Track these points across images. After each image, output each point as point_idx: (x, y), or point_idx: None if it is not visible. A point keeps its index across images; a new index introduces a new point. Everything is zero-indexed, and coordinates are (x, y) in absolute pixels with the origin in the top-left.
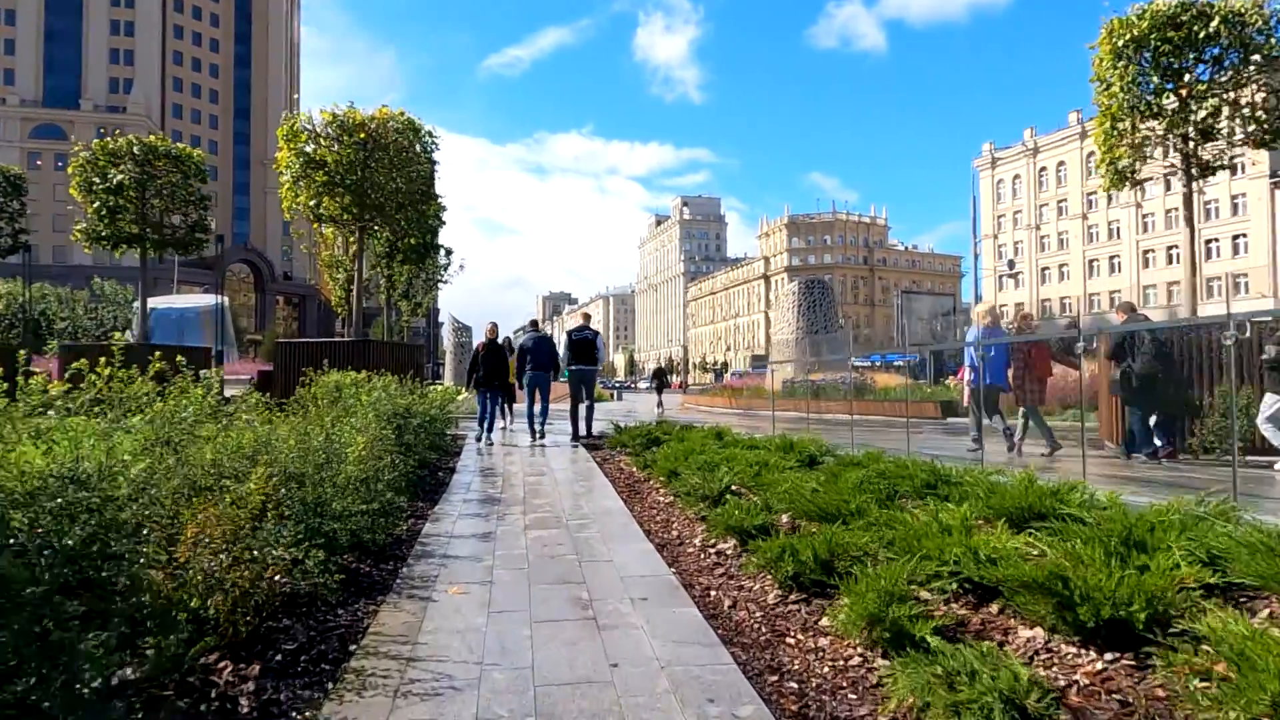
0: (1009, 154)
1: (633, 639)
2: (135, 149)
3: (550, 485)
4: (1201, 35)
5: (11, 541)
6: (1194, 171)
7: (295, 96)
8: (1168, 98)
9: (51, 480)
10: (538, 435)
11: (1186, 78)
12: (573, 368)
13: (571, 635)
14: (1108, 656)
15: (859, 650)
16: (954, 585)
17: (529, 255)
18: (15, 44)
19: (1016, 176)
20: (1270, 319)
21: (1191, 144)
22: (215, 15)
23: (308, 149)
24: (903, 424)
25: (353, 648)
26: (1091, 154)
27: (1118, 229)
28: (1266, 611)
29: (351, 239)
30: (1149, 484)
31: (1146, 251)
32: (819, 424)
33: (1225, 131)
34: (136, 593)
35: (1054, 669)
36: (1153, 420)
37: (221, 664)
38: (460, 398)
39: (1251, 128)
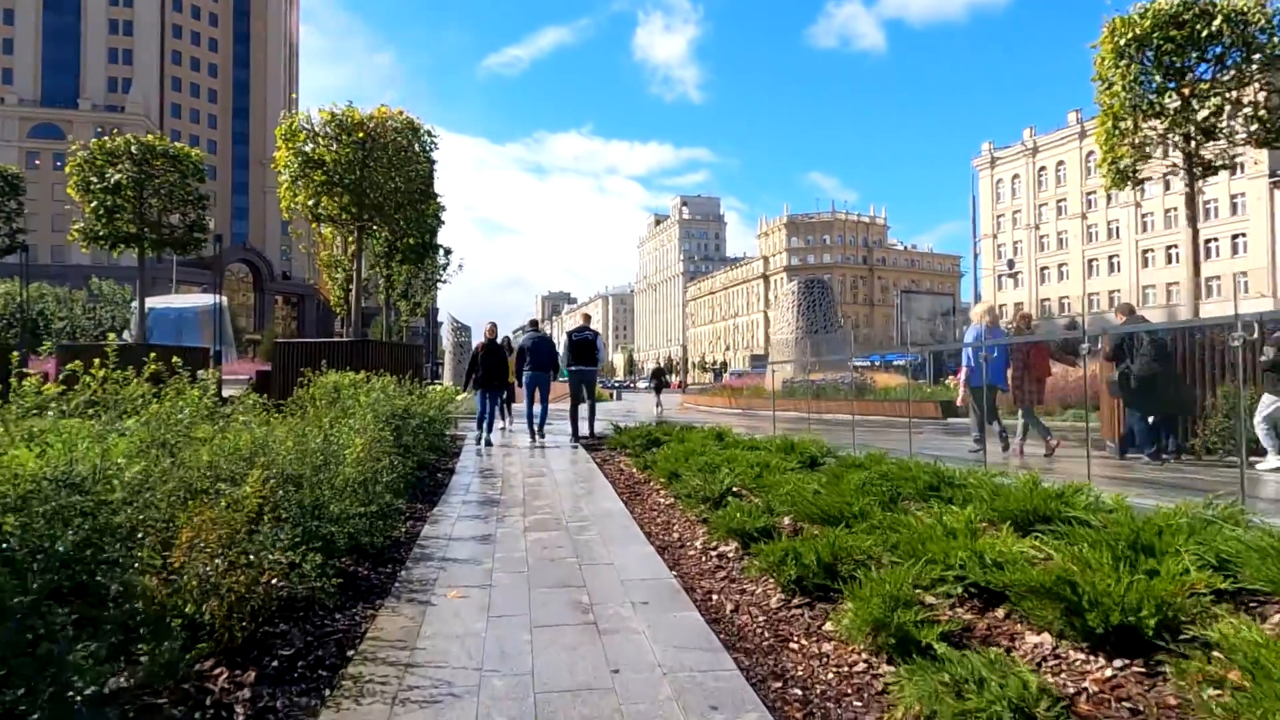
0: (1008, 154)
1: (634, 644)
2: (133, 148)
3: (550, 486)
4: (1204, 34)
5: (4, 547)
6: (1196, 171)
7: (294, 96)
8: (1170, 97)
9: (45, 483)
10: (537, 436)
11: (1189, 77)
12: (573, 368)
13: (572, 640)
14: (1117, 663)
15: (864, 656)
16: (959, 590)
17: (528, 255)
18: (14, 43)
19: (1016, 176)
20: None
21: (1193, 143)
22: (214, 15)
23: (306, 148)
24: (903, 424)
25: (350, 653)
26: (1091, 154)
27: (1117, 229)
28: (1278, 618)
29: (350, 238)
30: (1153, 485)
31: (1145, 251)
32: (819, 424)
33: (1227, 131)
34: (130, 599)
35: (1063, 676)
36: (1152, 421)
37: (217, 670)
38: (459, 398)
39: (1254, 127)
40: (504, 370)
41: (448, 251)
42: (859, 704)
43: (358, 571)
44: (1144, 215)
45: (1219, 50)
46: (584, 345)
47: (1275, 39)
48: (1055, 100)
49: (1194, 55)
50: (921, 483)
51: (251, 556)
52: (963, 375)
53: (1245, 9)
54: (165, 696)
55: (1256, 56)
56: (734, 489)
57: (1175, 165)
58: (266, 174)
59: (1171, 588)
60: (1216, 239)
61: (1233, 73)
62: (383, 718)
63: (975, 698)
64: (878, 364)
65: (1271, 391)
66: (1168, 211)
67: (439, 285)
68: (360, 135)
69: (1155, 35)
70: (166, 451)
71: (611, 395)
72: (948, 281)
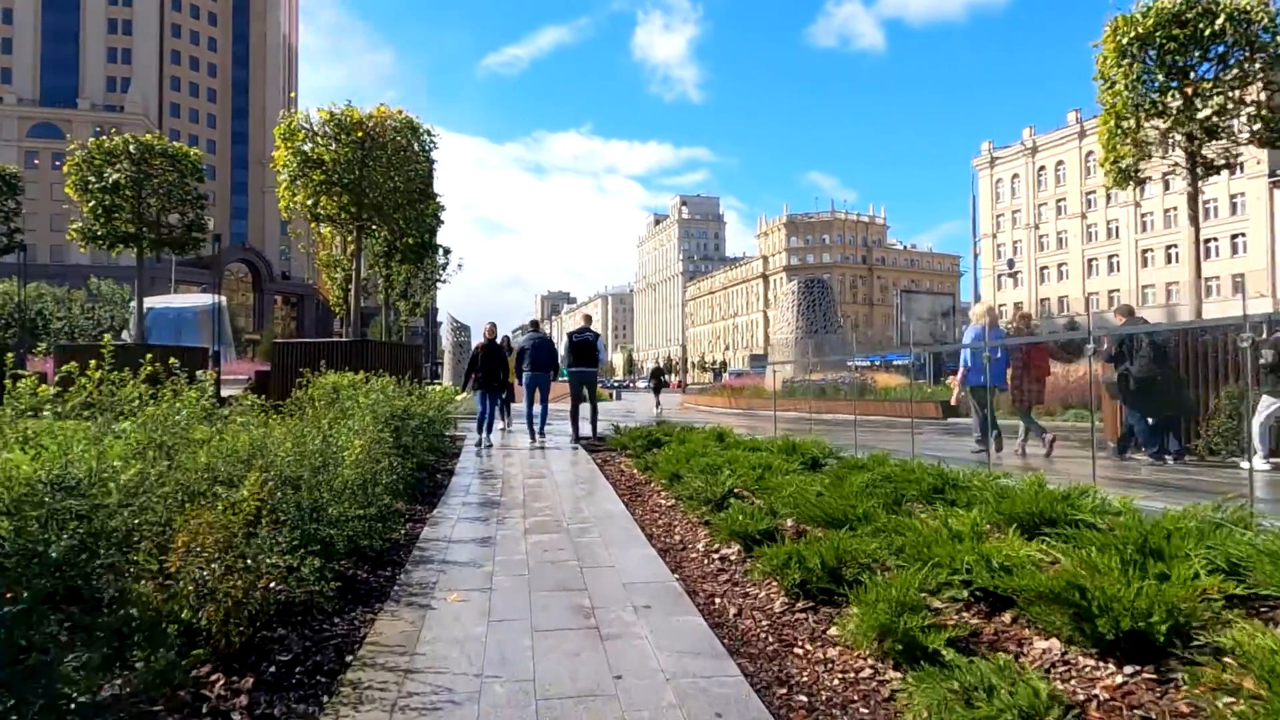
0: (1008, 153)
1: (636, 649)
2: (131, 148)
3: (550, 488)
4: (1207, 33)
5: None
6: (1199, 171)
7: (293, 95)
8: (1172, 96)
9: (39, 486)
10: (537, 436)
11: (1191, 76)
12: (573, 369)
13: (574, 645)
14: (1127, 670)
15: (869, 661)
16: (965, 594)
17: (528, 254)
18: (13, 42)
19: (1015, 176)
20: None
21: (1196, 143)
22: (213, 14)
23: (305, 148)
24: (903, 424)
25: (349, 658)
26: (1090, 153)
27: (1116, 228)
28: None
29: (349, 238)
30: (1157, 486)
31: (1145, 251)
32: (820, 425)
33: (1230, 130)
34: (124, 605)
35: (1072, 682)
36: (1153, 421)
37: (213, 677)
38: (459, 398)
39: (1257, 126)
40: (504, 370)
41: (447, 251)
42: (865, 711)
43: (357, 575)
44: (1143, 215)
45: (1222, 49)
46: (584, 346)
47: (1279, 38)
48: (1055, 100)
49: (1197, 54)
50: (925, 485)
51: (249, 561)
52: (960, 375)
53: (1248, 8)
54: (161, 704)
55: (1260, 55)
56: (736, 491)
57: (1177, 164)
58: (266, 174)
59: (1182, 593)
60: (1216, 239)
61: (1235, 72)
62: None
63: (985, 705)
64: (877, 364)
65: (1270, 393)
66: (1167, 211)
67: (438, 285)
68: (359, 135)
69: (1158, 34)
70: (163, 453)
71: (611, 395)
72: (947, 281)
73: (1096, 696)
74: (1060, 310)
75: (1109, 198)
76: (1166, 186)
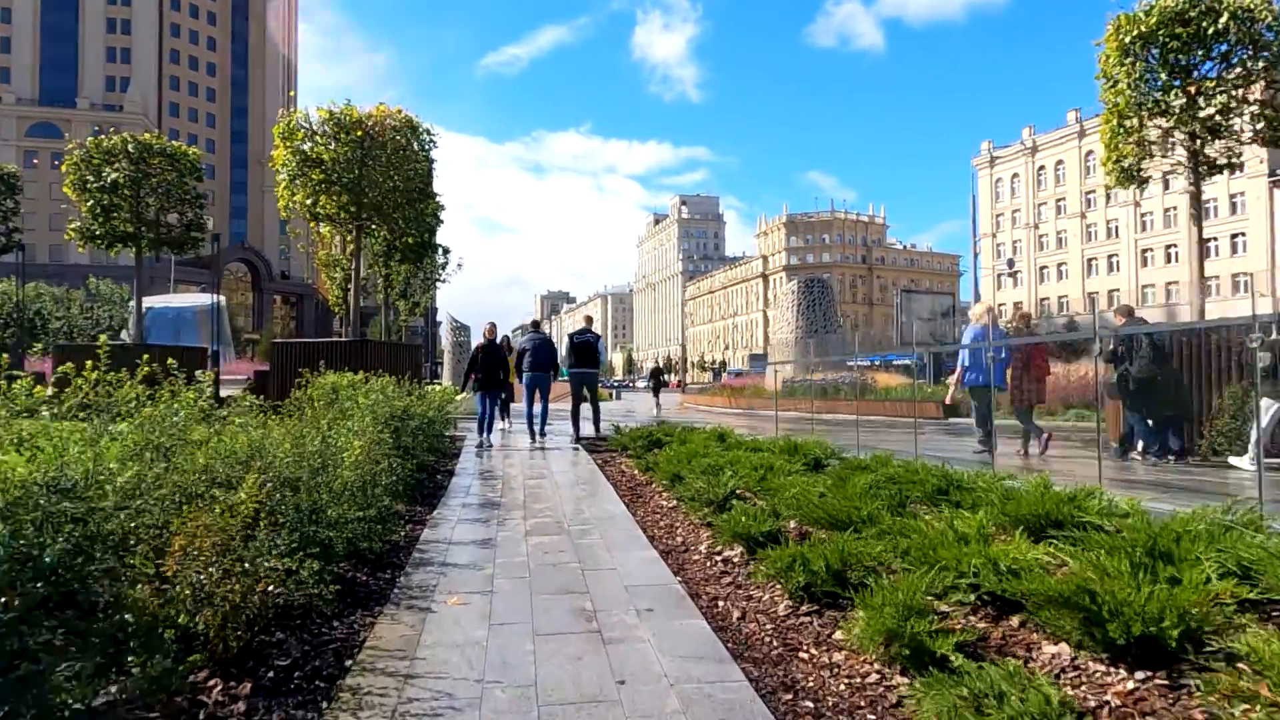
0: (1007, 153)
1: (639, 653)
2: (130, 147)
3: (551, 489)
4: (1210, 31)
5: None
6: (1201, 170)
7: (292, 94)
8: (1175, 95)
9: (35, 489)
10: (538, 437)
11: (1194, 74)
12: (574, 370)
13: (576, 649)
14: (1139, 675)
15: (876, 667)
16: (972, 598)
17: (527, 254)
18: (11, 42)
19: (1015, 175)
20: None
21: (1199, 142)
22: (212, 13)
23: (304, 147)
24: (904, 424)
25: (349, 663)
26: (1090, 153)
27: (1116, 228)
28: None
29: (349, 238)
30: (1162, 488)
31: (1145, 251)
32: (821, 425)
33: (1234, 129)
34: (120, 610)
35: (1083, 688)
36: (1152, 421)
37: (211, 682)
38: (459, 398)
39: (1260, 125)
40: (504, 371)
41: (446, 251)
42: (873, 718)
43: (356, 577)
44: (1143, 215)
45: (1225, 48)
46: (585, 348)
47: None
48: (1055, 100)
49: (1200, 53)
50: (929, 486)
51: (247, 564)
52: (958, 375)
53: (1252, 6)
54: (158, 710)
55: (1263, 54)
56: (738, 492)
57: (1180, 163)
58: (265, 173)
59: (1194, 597)
60: (1216, 238)
61: (1238, 70)
62: None
63: (995, 713)
64: (877, 364)
65: (1271, 395)
66: (1167, 211)
67: (438, 284)
68: (359, 134)
69: (1161, 32)
70: (161, 455)
71: (611, 395)
72: (947, 281)
73: (1108, 703)
74: (1060, 310)
75: (1109, 197)
76: (1166, 186)
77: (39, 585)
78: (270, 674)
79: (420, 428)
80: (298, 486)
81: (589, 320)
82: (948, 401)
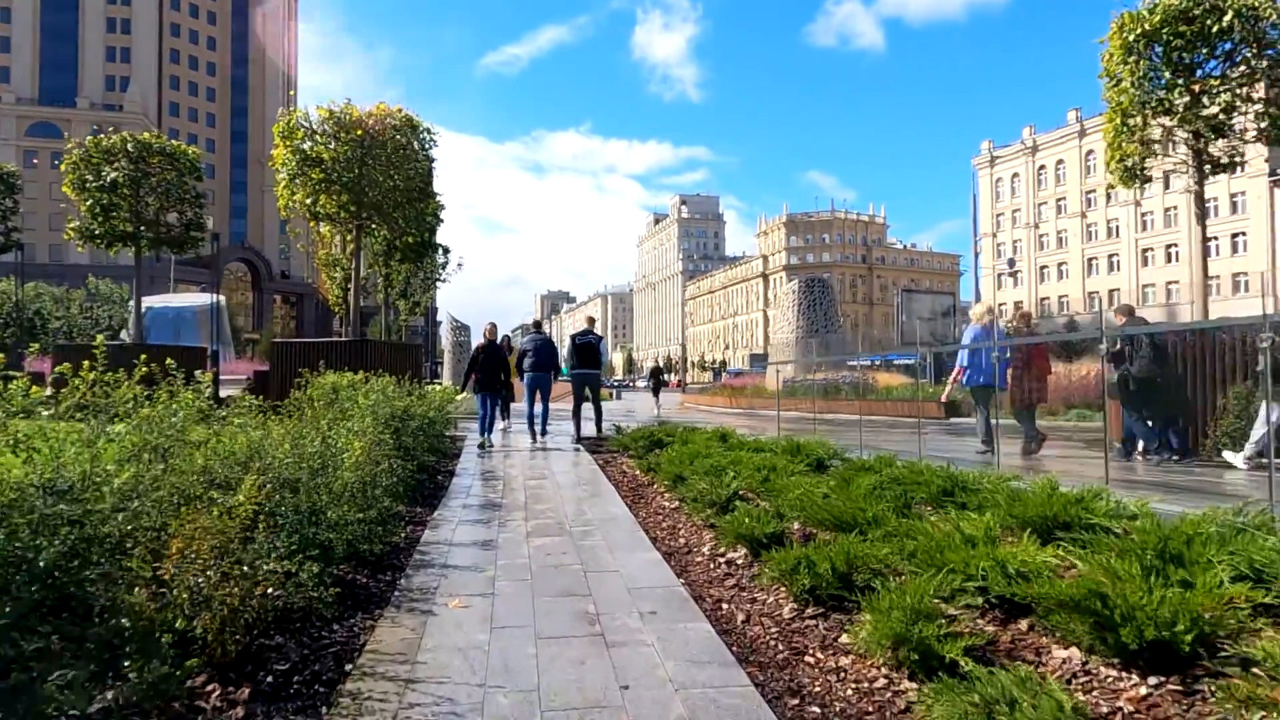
0: (1008, 152)
1: (643, 657)
2: (129, 146)
3: (552, 489)
4: (1214, 30)
5: None
6: (1205, 169)
7: (291, 93)
8: (1179, 93)
9: (31, 491)
10: (538, 437)
11: (1198, 73)
12: (576, 371)
13: (579, 653)
14: (1151, 680)
15: (883, 671)
16: (979, 600)
17: (527, 254)
18: (11, 41)
19: (1015, 175)
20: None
21: (1202, 140)
22: (212, 13)
23: (304, 146)
24: (905, 424)
25: (348, 667)
26: (1091, 152)
27: (1116, 227)
28: None
29: (349, 237)
30: (1167, 488)
31: (1145, 250)
32: (823, 425)
33: (1238, 128)
34: (116, 615)
35: (1095, 694)
36: (1154, 422)
37: (209, 687)
38: (459, 398)
39: (1265, 123)
40: (504, 371)
41: (446, 250)
42: None
43: (356, 579)
44: (1144, 214)
45: (1229, 46)
46: (587, 349)
47: None
48: (1055, 99)
49: (1204, 51)
50: (934, 487)
51: (246, 566)
52: (958, 375)
53: (1256, 4)
54: (155, 716)
55: (1268, 52)
56: (741, 493)
57: (1185, 162)
58: (265, 173)
59: (1207, 601)
60: (1216, 238)
61: (1242, 68)
62: None
63: (1007, 719)
64: (878, 363)
65: (1272, 398)
66: (1167, 210)
67: (438, 284)
68: (359, 133)
69: (1165, 31)
70: (159, 456)
71: (611, 394)
72: (947, 280)
73: (1121, 709)
74: (1060, 309)
75: (1109, 197)
76: (1167, 185)
77: (34, 589)
78: (269, 678)
79: (421, 428)
80: (297, 488)
81: (591, 321)
82: (944, 399)
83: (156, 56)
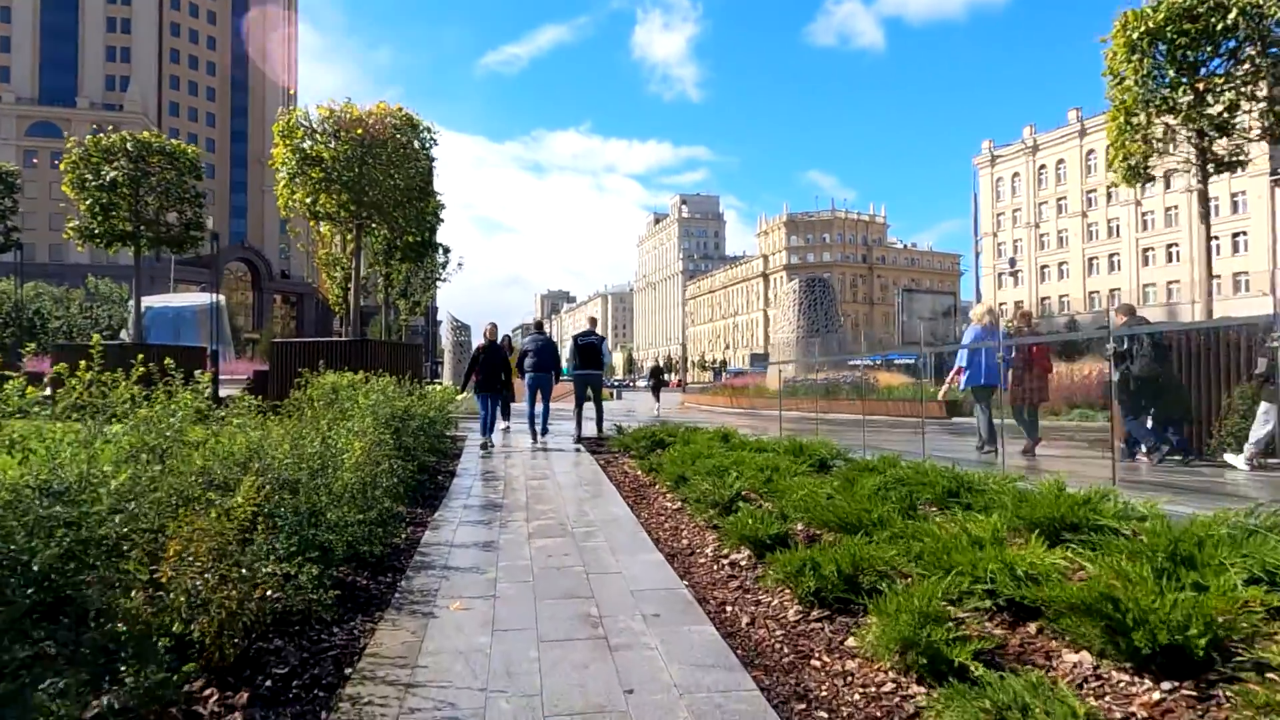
0: (1008, 152)
1: (647, 661)
2: (129, 145)
3: (554, 490)
4: (1219, 27)
5: None
6: (1209, 168)
7: (291, 92)
8: (1183, 91)
9: (26, 492)
10: (539, 437)
11: (1202, 71)
12: (578, 372)
13: (582, 657)
14: (1165, 686)
15: (891, 675)
16: (987, 603)
17: (527, 253)
18: (11, 41)
19: (1016, 174)
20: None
21: (1206, 139)
22: (212, 12)
23: (304, 145)
24: (908, 424)
25: (348, 671)
26: (1091, 152)
27: (1117, 227)
28: None
29: (349, 236)
30: (1176, 489)
31: (1146, 250)
32: (825, 425)
33: (1243, 126)
34: (112, 618)
35: (1107, 699)
36: (1155, 422)
37: (207, 692)
38: (460, 398)
39: (1270, 121)
40: (505, 371)
41: (446, 250)
42: None
43: (356, 581)
44: (1144, 214)
45: (1233, 44)
46: (590, 349)
47: None
48: (1055, 99)
49: (1208, 49)
50: (940, 488)
51: (244, 569)
52: (957, 375)
53: (1261, 2)
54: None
55: (1272, 50)
56: (744, 493)
57: (1188, 161)
58: (265, 172)
59: (1221, 604)
60: (1218, 237)
61: (1247, 66)
62: None
63: None
64: (878, 363)
65: (1268, 399)
66: (1168, 210)
67: (438, 284)
68: (359, 132)
69: (1169, 29)
70: (156, 457)
71: (612, 394)
72: (948, 280)
73: (1134, 714)
74: (1061, 309)
75: (1109, 196)
76: (1168, 185)
77: (29, 593)
78: (268, 683)
79: (421, 428)
80: (297, 489)
81: (593, 321)
82: (940, 397)
83: (156, 56)
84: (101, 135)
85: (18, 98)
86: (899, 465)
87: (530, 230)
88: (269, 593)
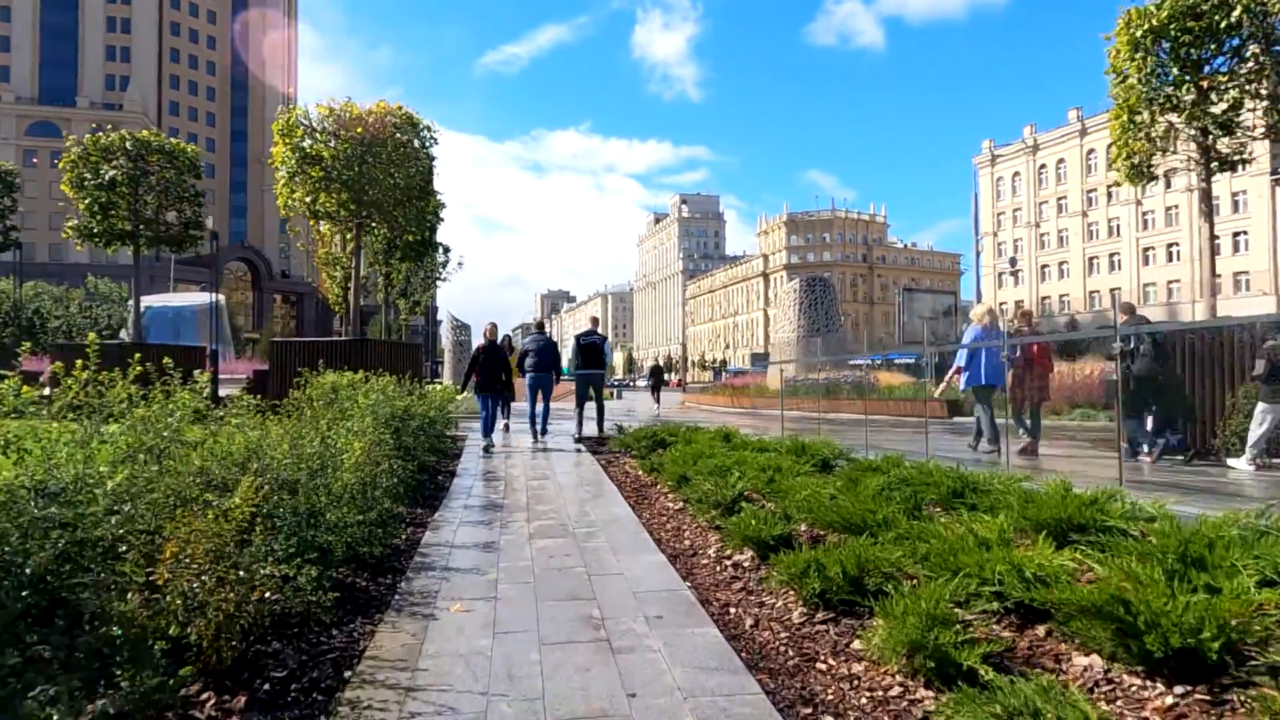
0: (1008, 151)
1: (650, 663)
2: (128, 144)
3: (554, 490)
4: (1222, 25)
5: None
6: (1212, 166)
7: (290, 91)
8: (1186, 89)
9: (21, 493)
10: (540, 437)
11: (1206, 69)
12: (580, 371)
13: (584, 660)
14: (1177, 690)
15: (898, 679)
16: (995, 605)
17: (527, 253)
18: (11, 41)
19: (1016, 174)
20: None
21: (1210, 137)
22: (212, 12)
23: (304, 144)
24: (910, 423)
25: (348, 674)
26: (1092, 151)
27: (1117, 226)
28: None
29: (349, 236)
30: (1183, 489)
31: (1147, 249)
32: (827, 424)
33: (1246, 124)
34: (107, 622)
35: (1119, 704)
36: (1152, 421)
37: (204, 696)
38: (460, 398)
39: (1274, 119)
40: (505, 372)
41: (446, 249)
42: None
43: (355, 583)
44: (1145, 213)
45: (1237, 42)
46: (592, 349)
47: None
48: (1056, 98)
49: (1211, 47)
50: (944, 488)
51: (242, 571)
52: (956, 374)
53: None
54: None
55: (1276, 48)
56: (746, 494)
57: (1192, 159)
58: (265, 172)
59: (1235, 607)
60: (1218, 236)
61: (1250, 64)
62: None
63: None
64: (879, 362)
65: (1268, 401)
66: (1169, 209)
67: (438, 283)
68: (359, 131)
69: (1172, 26)
70: (153, 457)
71: (612, 394)
72: (948, 279)
73: (1147, 719)
74: (1061, 308)
75: (1109, 195)
76: (1168, 184)
77: (22, 596)
78: (266, 686)
79: (421, 428)
80: (296, 489)
81: (595, 321)
82: (937, 396)
83: (156, 56)
84: (100, 134)
85: (17, 97)
86: (903, 465)
87: (530, 230)
88: (267, 595)
